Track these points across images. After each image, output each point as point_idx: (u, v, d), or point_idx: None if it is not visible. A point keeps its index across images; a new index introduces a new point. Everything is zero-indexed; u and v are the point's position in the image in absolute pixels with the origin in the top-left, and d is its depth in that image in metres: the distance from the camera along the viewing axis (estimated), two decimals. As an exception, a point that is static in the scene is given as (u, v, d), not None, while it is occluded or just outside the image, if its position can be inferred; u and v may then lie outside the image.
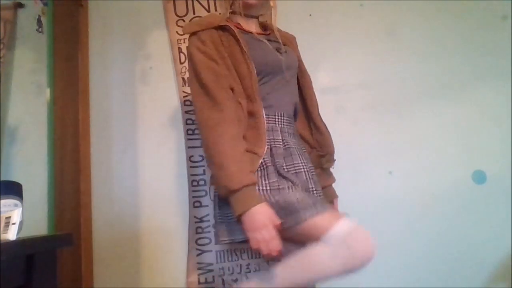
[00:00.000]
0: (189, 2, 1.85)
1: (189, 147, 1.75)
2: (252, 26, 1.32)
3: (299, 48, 1.44)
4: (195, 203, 1.70)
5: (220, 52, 1.18)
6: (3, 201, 1.17)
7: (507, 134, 1.59)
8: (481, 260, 1.55)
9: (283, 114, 1.23)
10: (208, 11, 1.84)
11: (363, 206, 1.61)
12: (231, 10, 1.31)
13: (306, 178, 1.18)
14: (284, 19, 1.78)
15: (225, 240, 1.13)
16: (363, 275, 1.62)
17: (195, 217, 1.69)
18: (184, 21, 1.84)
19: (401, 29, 1.72)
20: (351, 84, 1.73)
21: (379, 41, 1.73)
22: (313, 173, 1.26)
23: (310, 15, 1.79)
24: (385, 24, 1.73)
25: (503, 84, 1.61)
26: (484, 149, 1.60)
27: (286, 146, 1.20)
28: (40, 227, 1.70)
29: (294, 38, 1.46)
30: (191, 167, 1.73)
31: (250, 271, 1.63)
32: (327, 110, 1.72)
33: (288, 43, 1.37)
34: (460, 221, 1.58)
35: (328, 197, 1.34)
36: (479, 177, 1.59)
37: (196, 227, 1.68)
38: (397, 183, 1.64)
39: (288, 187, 1.07)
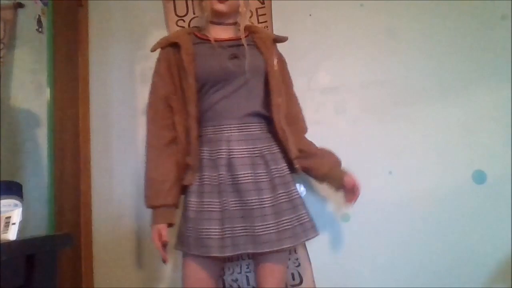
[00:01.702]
0: (189, 2, 1.85)
1: (189, 147, 1.75)
2: (225, 33, 1.31)
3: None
4: (195, 203, 1.70)
5: (170, 71, 1.27)
6: (3, 201, 1.17)
7: (507, 134, 1.58)
8: (481, 260, 1.55)
9: (234, 122, 1.23)
10: (208, 11, 1.84)
11: (363, 206, 1.61)
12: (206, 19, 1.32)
13: (246, 190, 1.18)
14: (284, 19, 1.78)
15: None
16: (362, 275, 1.64)
17: (195, 217, 1.68)
18: (184, 21, 1.84)
19: (401, 29, 1.72)
20: (351, 84, 1.73)
21: (379, 41, 1.72)
22: (275, 176, 1.23)
23: (310, 15, 1.79)
24: (385, 24, 1.73)
25: (503, 84, 1.61)
26: (484, 149, 1.60)
27: (231, 156, 1.20)
28: (40, 227, 1.70)
29: (269, 37, 1.37)
30: (191, 167, 1.73)
31: (250, 271, 1.63)
32: (327, 110, 1.74)
33: (261, 45, 1.31)
34: (460, 221, 1.58)
35: (337, 181, 1.39)
36: (479, 177, 1.59)
37: (196, 227, 1.68)
38: (397, 183, 1.64)
39: (192, 219, 1.22)
